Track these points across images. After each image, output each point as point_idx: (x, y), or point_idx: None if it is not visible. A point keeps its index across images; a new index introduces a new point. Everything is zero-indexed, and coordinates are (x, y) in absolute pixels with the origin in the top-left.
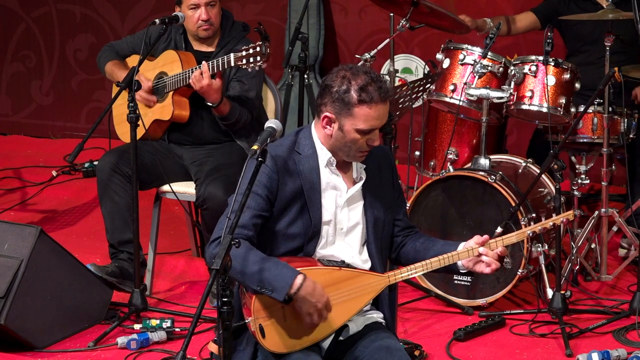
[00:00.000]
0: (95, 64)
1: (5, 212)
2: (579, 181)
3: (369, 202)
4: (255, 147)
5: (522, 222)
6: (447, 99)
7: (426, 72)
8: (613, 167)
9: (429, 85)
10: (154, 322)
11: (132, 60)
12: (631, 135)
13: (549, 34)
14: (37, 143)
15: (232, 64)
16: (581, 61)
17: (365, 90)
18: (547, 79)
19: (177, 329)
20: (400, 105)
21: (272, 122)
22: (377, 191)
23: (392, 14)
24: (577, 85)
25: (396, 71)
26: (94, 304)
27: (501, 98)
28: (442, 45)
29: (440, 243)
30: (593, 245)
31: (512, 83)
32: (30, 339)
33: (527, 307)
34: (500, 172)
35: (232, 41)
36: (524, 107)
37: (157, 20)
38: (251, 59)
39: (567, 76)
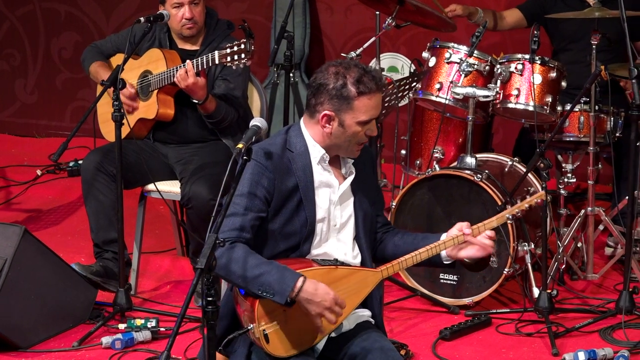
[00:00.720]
0: (80, 62)
1: None
2: (565, 180)
3: (358, 198)
4: (240, 145)
5: (509, 222)
6: (433, 98)
7: (412, 70)
8: (599, 165)
9: (415, 83)
10: (139, 322)
11: (117, 59)
12: (617, 134)
13: (535, 32)
14: (22, 142)
15: (217, 62)
16: (567, 59)
17: (361, 81)
18: (533, 78)
19: (162, 329)
20: (386, 104)
21: (257, 121)
22: (363, 187)
23: (378, 13)
24: (564, 84)
25: (382, 70)
26: (79, 303)
27: (487, 96)
28: (428, 44)
29: (420, 236)
30: (579, 244)
31: (498, 81)
32: (14, 338)
33: (513, 306)
34: (486, 171)
35: (216, 39)
36: (510, 105)
37: (142, 19)
38: (235, 57)
39: (553, 75)
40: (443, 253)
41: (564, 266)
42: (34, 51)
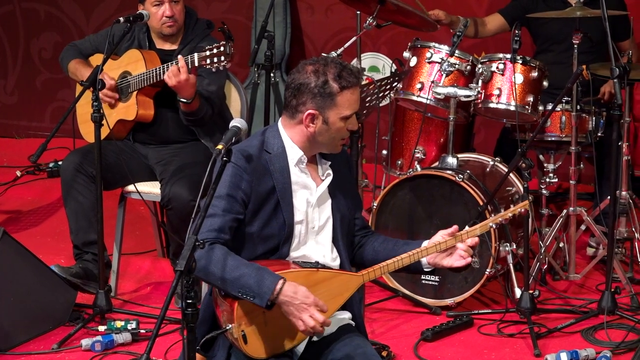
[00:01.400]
0: (59, 62)
1: None
2: (547, 180)
3: (335, 200)
4: (220, 146)
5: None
6: (415, 98)
7: (393, 70)
8: (581, 165)
9: (396, 83)
10: (119, 324)
11: (96, 59)
12: (599, 134)
13: (516, 31)
14: (1, 143)
15: (196, 64)
16: (549, 60)
17: (342, 76)
18: (514, 77)
19: (142, 331)
20: (367, 104)
21: (236, 122)
22: (341, 188)
23: (358, 12)
24: (545, 84)
25: (363, 69)
26: (58, 305)
27: (469, 96)
28: (409, 44)
29: (401, 242)
30: (561, 244)
31: (480, 81)
32: None
33: (495, 306)
34: (467, 171)
35: (195, 39)
36: (492, 105)
37: (121, 19)
38: (215, 59)
39: (534, 74)
40: (424, 260)
41: (545, 266)
42: (13, 52)
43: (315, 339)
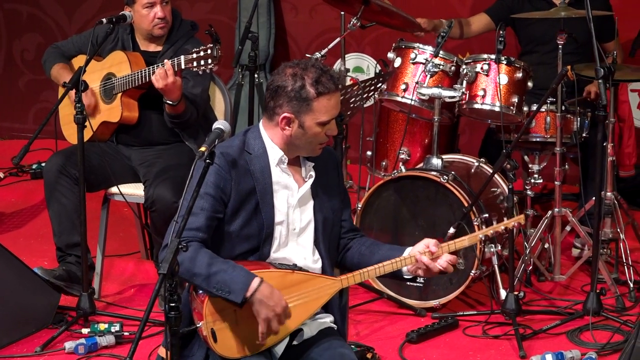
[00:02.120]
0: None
1: None
2: (532, 181)
3: (318, 202)
4: (203, 148)
5: (475, 223)
6: (399, 99)
7: (377, 71)
8: (566, 166)
9: (380, 84)
10: (102, 326)
11: (79, 61)
12: (584, 134)
13: (501, 32)
14: None
15: (183, 66)
16: (534, 60)
17: (320, 82)
18: (499, 78)
19: (125, 333)
20: (351, 105)
21: (219, 124)
22: (325, 191)
23: (342, 13)
24: (530, 84)
25: (347, 70)
26: (41, 308)
27: (453, 97)
28: (394, 44)
29: (387, 247)
30: (546, 245)
31: (464, 82)
32: None
33: (480, 308)
34: (452, 172)
35: (180, 40)
36: (476, 106)
37: (104, 20)
38: (202, 62)
39: (519, 75)
40: (404, 268)
41: (530, 267)
42: None
43: (295, 342)
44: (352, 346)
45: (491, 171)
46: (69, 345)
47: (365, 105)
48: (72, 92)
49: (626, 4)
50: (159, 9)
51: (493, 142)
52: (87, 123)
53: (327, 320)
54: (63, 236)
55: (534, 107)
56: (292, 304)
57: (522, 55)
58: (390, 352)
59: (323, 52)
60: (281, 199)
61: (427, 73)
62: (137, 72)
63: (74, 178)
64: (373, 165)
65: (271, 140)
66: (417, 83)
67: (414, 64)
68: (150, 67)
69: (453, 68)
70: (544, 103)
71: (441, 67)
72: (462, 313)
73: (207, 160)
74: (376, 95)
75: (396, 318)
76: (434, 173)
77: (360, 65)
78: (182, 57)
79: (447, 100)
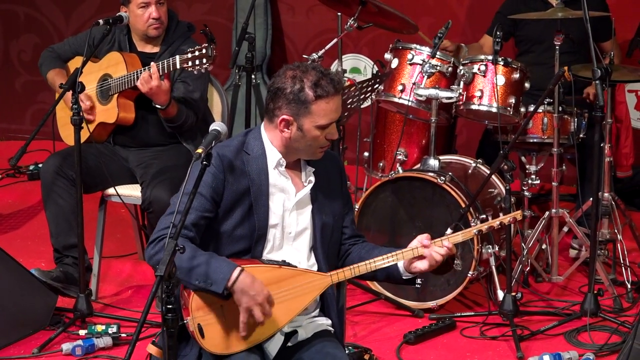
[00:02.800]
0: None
1: None
2: (529, 181)
3: (317, 207)
4: (199, 150)
5: (472, 223)
6: (396, 100)
7: (375, 72)
8: (563, 167)
9: (377, 85)
10: (100, 328)
11: (75, 63)
12: (581, 135)
13: (497, 33)
14: None
15: (178, 66)
16: (531, 61)
17: (319, 85)
18: (496, 79)
19: (123, 335)
20: (348, 106)
21: (216, 125)
22: (326, 196)
23: (339, 14)
24: (527, 85)
25: (344, 71)
26: (39, 309)
27: (450, 98)
28: (391, 45)
29: (385, 249)
30: (544, 246)
31: (461, 83)
32: None
33: (477, 309)
34: (449, 173)
35: (176, 41)
36: (474, 107)
37: (100, 21)
38: (197, 61)
39: (516, 76)
40: (402, 268)
41: (528, 268)
42: None
43: (289, 344)
44: (350, 347)
45: (488, 172)
46: (66, 346)
47: (362, 106)
48: (69, 94)
49: (623, 4)
50: (153, 9)
51: (490, 143)
52: (83, 124)
53: (325, 322)
54: (60, 237)
55: (531, 108)
56: (281, 299)
57: (519, 55)
58: (388, 354)
59: (320, 53)
60: (277, 202)
61: (424, 74)
62: (134, 73)
63: (71, 179)
64: (370, 166)
65: (271, 142)
66: (414, 84)
67: (411, 64)
68: (147, 67)
69: (450, 69)
70: (541, 104)
71: (438, 68)
72: (459, 314)
73: (204, 162)
74: (373, 96)
75: (394, 319)
76: (431, 174)
77: (357, 66)
78: (177, 57)
79: (445, 101)
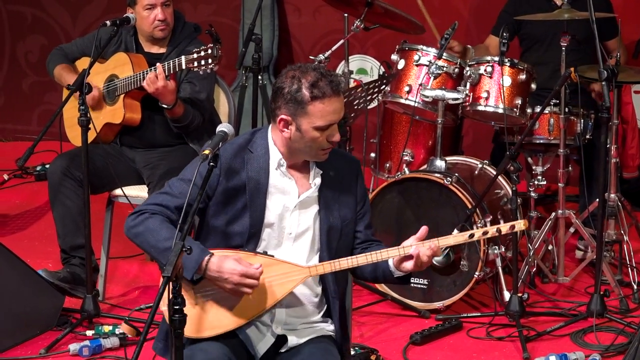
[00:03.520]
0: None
1: None
2: (536, 182)
3: (324, 209)
4: (206, 151)
5: (479, 224)
6: (403, 100)
7: (381, 73)
8: (570, 168)
9: (384, 86)
10: (107, 328)
11: (82, 63)
12: (587, 136)
13: (504, 34)
14: None
15: (184, 67)
16: (535, 60)
17: (316, 86)
18: (502, 80)
19: (129, 335)
20: (355, 107)
21: (223, 127)
22: (335, 200)
23: (346, 15)
24: (533, 86)
25: (351, 72)
26: (46, 310)
27: (457, 99)
28: (397, 46)
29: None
30: (550, 247)
31: (468, 84)
32: None
33: (484, 310)
34: (456, 174)
35: (183, 42)
36: (480, 108)
37: (107, 22)
38: (202, 62)
39: (522, 77)
40: (392, 266)
41: (534, 269)
42: None
43: (283, 350)
44: (356, 348)
45: (495, 173)
46: (73, 347)
47: (369, 107)
48: (76, 94)
49: (629, 6)
50: (159, 10)
51: (497, 144)
52: (90, 125)
53: (325, 327)
54: (67, 238)
55: (537, 109)
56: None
57: (524, 55)
58: (394, 354)
59: (327, 54)
60: (276, 202)
61: (430, 75)
62: (140, 73)
63: (78, 180)
64: (377, 167)
65: (274, 142)
66: (420, 85)
67: (417, 65)
68: (153, 68)
69: (456, 70)
70: (548, 105)
71: (445, 69)
72: (466, 315)
73: (211, 163)
74: (380, 97)
75: (400, 320)
76: (438, 175)
77: (363, 67)
78: (183, 57)
79: (451, 102)
